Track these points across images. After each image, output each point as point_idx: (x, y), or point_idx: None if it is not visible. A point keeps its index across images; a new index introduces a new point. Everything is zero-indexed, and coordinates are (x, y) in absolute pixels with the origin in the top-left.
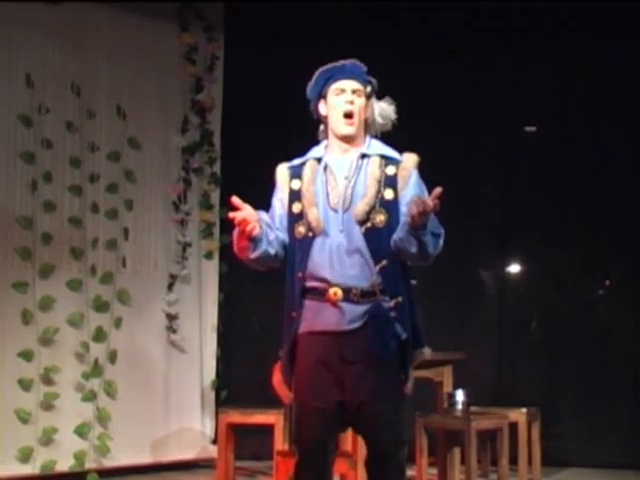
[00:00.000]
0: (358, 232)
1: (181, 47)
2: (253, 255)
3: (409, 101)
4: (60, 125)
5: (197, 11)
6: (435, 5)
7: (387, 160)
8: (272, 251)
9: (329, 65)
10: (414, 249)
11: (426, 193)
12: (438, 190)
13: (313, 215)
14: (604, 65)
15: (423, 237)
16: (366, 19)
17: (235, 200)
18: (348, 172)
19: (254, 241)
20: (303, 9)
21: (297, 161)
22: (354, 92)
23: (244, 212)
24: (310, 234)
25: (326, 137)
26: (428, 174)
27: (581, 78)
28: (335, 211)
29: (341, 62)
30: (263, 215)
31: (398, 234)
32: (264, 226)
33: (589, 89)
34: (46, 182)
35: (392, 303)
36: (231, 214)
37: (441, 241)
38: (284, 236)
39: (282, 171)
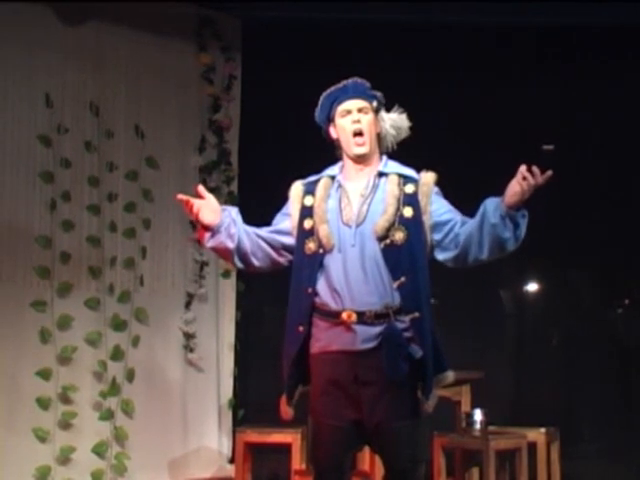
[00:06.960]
0: (374, 248)
1: (199, 67)
2: (208, 244)
3: (424, 119)
4: (79, 145)
5: (215, 31)
6: (451, 23)
7: (405, 179)
8: (231, 245)
9: (332, 88)
10: (508, 234)
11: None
12: (524, 166)
13: (324, 232)
14: (620, 83)
15: (519, 218)
16: (382, 40)
17: (200, 189)
18: (365, 190)
19: (212, 231)
20: (320, 30)
21: (312, 178)
22: (360, 110)
23: (204, 201)
24: (321, 250)
25: (342, 158)
26: (442, 191)
27: (597, 97)
28: (348, 226)
29: (343, 82)
30: (232, 211)
31: (484, 222)
32: (227, 219)
33: (605, 108)
34: (65, 201)
35: (408, 319)
36: (179, 195)
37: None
38: (262, 243)
39: (296, 188)
